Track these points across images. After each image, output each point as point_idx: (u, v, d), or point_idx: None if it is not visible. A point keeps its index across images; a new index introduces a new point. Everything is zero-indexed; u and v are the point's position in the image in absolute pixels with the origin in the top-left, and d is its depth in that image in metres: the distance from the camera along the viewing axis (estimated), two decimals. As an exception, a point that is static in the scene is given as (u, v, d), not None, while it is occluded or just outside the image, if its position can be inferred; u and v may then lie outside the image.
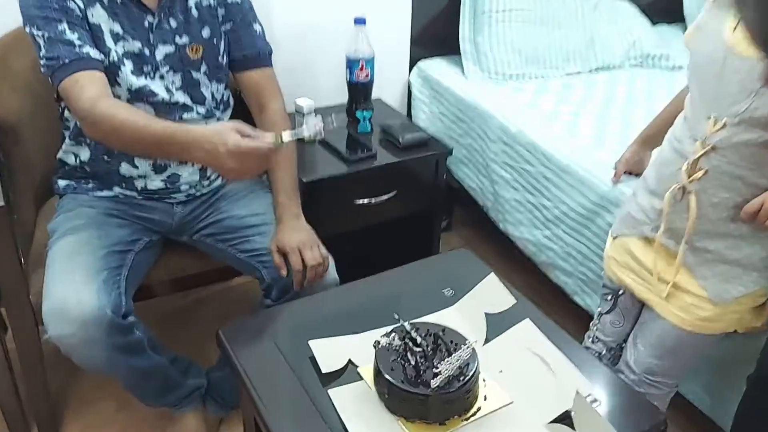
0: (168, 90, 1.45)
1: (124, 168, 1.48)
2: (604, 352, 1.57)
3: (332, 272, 1.50)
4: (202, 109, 1.50)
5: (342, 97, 2.12)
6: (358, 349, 1.21)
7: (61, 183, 1.55)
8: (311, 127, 1.20)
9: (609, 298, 1.53)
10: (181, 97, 1.46)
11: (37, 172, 1.64)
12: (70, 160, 1.52)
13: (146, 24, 1.40)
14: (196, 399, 1.59)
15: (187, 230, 1.58)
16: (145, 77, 1.41)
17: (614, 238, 1.47)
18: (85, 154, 1.49)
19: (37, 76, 1.63)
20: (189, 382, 1.56)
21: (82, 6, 1.32)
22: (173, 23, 1.43)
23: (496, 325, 1.30)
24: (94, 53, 1.32)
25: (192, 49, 1.46)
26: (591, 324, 1.60)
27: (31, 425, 1.65)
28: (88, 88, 1.26)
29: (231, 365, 1.23)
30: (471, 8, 2.28)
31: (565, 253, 1.84)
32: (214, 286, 2.09)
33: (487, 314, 1.32)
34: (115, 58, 1.37)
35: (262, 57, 1.55)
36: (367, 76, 2.01)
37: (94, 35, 1.34)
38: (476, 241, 2.50)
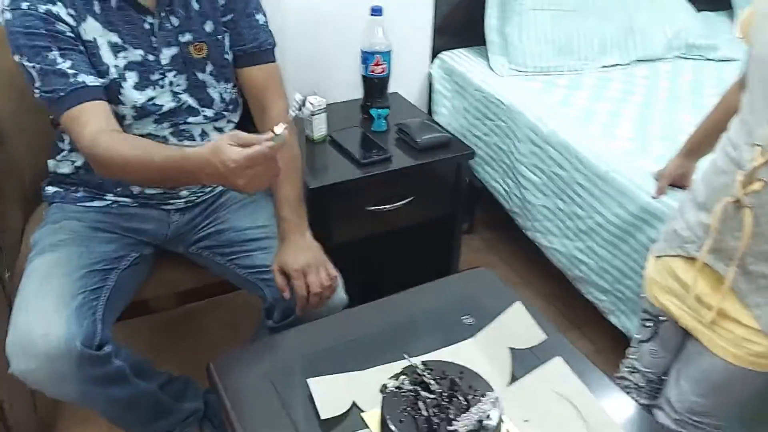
0: (175, 95, 1.32)
1: (134, 190, 1.38)
2: (642, 384, 1.41)
3: (340, 292, 1.36)
4: (210, 112, 1.38)
5: (356, 92, 1.97)
6: (364, 389, 1.07)
7: (49, 189, 1.43)
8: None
9: (649, 324, 1.36)
10: (187, 100, 1.34)
11: (25, 176, 1.54)
12: (65, 168, 1.39)
13: (146, 27, 1.26)
14: (192, 423, 1.46)
15: (183, 241, 1.45)
16: (152, 88, 1.29)
17: (657, 258, 1.30)
18: (81, 160, 1.37)
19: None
20: (185, 406, 1.44)
21: (73, 23, 1.18)
22: (174, 21, 1.29)
23: (523, 362, 1.14)
24: (91, 80, 1.19)
25: (196, 48, 1.32)
26: (628, 351, 1.45)
27: (19, 449, 1.54)
28: (87, 124, 1.16)
29: (221, 404, 1.10)
30: (499, -5, 2.10)
31: (600, 268, 1.67)
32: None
33: (512, 349, 1.16)
34: (116, 75, 1.24)
35: (264, 52, 1.39)
36: (383, 70, 1.85)
37: (90, 53, 1.22)
38: (500, 245, 2.36)
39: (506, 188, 2.00)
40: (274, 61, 1.41)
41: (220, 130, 1.41)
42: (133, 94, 1.27)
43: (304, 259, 1.26)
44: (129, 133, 1.27)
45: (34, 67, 1.16)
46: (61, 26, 1.17)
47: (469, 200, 2.10)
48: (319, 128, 1.80)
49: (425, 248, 1.99)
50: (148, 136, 1.31)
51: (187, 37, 1.31)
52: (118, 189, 1.38)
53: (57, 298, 1.18)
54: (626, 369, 1.44)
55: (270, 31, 1.41)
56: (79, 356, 1.14)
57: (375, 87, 1.87)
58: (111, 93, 1.24)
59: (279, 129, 1.02)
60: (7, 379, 1.40)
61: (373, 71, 1.84)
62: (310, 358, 1.16)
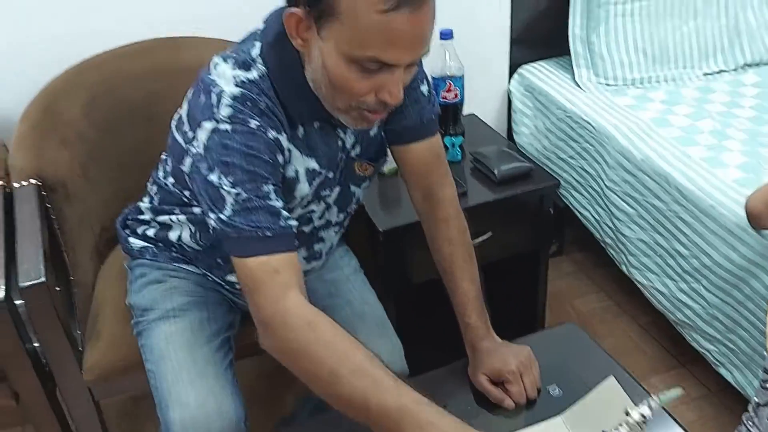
0: (326, 206, 1.16)
1: (234, 278, 1.22)
2: (761, 452, 1.22)
3: (400, 361, 1.25)
4: (342, 217, 1.23)
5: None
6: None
7: (136, 243, 1.29)
8: None
9: (770, 388, 1.18)
10: (333, 216, 1.20)
11: (95, 227, 1.52)
12: (166, 235, 1.25)
13: (339, 144, 1.09)
14: None
15: None
16: (316, 203, 1.13)
17: None
18: (191, 242, 1.22)
19: (89, 120, 1.52)
20: None
21: (282, 161, 0.99)
22: (351, 134, 1.11)
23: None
24: (295, 224, 0.97)
25: (361, 167, 1.16)
26: (744, 415, 1.27)
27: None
28: (280, 282, 0.92)
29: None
30: (583, 1, 1.91)
31: (709, 315, 1.47)
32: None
33: (605, 435, 1.01)
34: (300, 200, 1.09)
35: (426, 125, 1.15)
36: (455, 96, 1.72)
37: (286, 187, 1.03)
38: (593, 268, 2.19)
39: (596, 216, 1.82)
40: (435, 134, 1.18)
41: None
42: (322, 214, 1.15)
43: (515, 362, 1.10)
44: None
45: (238, 194, 0.92)
46: (280, 158, 0.98)
47: (557, 222, 1.93)
48: (390, 160, 1.68)
49: (508, 284, 1.84)
50: None
51: (356, 151, 1.13)
52: (217, 272, 1.26)
53: (215, 373, 1.14)
54: (743, 436, 1.26)
55: (434, 98, 1.17)
56: None
57: (448, 114, 1.74)
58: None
59: None
60: (82, 425, 1.40)
61: (444, 98, 1.71)
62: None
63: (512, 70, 2.06)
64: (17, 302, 1.23)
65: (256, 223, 0.92)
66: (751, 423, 1.25)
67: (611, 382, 1.08)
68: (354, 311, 1.26)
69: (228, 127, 0.92)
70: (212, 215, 0.94)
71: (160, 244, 1.27)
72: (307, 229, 1.17)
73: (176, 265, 1.27)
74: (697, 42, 1.93)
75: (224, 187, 0.92)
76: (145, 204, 1.28)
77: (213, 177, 0.92)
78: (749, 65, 1.98)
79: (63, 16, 1.56)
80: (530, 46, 2.04)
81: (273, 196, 0.94)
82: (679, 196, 1.50)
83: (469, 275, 1.16)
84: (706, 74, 1.94)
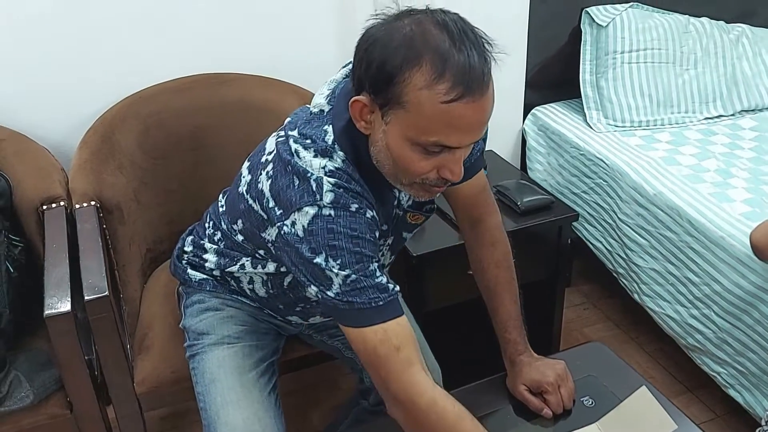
0: (381, 253, 1.19)
1: (293, 318, 1.31)
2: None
3: (439, 381, 1.31)
4: (392, 260, 1.28)
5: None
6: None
7: (194, 275, 1.31)
8: None
9: (782, 408, 1.27)
10: (385, 260, 1.24)
11: (142, 248, 1.60)
12: (236, 284, 1.28)
13: (394, 202, 1.13)
14: None
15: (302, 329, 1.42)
16: (382, 254, 1.18)
17: None
18: (262, 291, 1.25)
19: (143, 149, 1.63)
20: None
21: (378, 236, 1.02)
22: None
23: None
24: (398, 289, 1.01)
25: (413, 217, 1.19)
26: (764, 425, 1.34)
27: None
28: (402, 359, 0.96)
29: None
30: (593, 48, 2.06)
31: (719, 339, 1.57)
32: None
33: (640, 439, 1.10)
34: None
35: (474, 164, 1.19)
36: (480, 133, 1.83)
37: None
38: (600, 299, 2.28)
39: (609, 248, 1.93)
40: (483, 169, 1.23)
41: None
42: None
43: (553, 374, 1.18)
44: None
45: (347, 276, 0.95)
46: (377, 234, 1.01)
47: (568, 256, 2.04)
48: (419, 192, 1.78)
49: (526, 310, 1.94)
50: None
51: (409, 203, 1.15)
52: (271, 310, 1.32)
53: (260, 396, 1.19)
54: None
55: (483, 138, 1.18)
56: None
57: (472, 149, 1.85)
58: None
59: None
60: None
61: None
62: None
63: (527, 110, 2.19)
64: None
65: (368, 298, 0.96)
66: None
67: (644, 390, 1.17)
68: None
69: (332, 212, 0.95)
70: (315, 289, 0.98)
71: (220, 280, 1.31)
72: None
73: (233, 296, 1.31)
74: (698, 89, 2.08)
75: (332, 269, 0.94)
76: (208, 244, 1.28)
77: (319, 260, 0.95)
78: (746, 111, 2.12)
79: (113, 50, 1.65)
80: (543, 88, 2.18)
81: (378, 272, 0.97)
82: (690, 227, 1.62)
83: (511, 296, 1.24)
84: (707, 119, 2.08)
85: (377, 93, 0.91)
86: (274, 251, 1.08)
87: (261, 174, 1.04)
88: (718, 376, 1.62)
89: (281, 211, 0.99)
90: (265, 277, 1.23)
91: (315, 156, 0.99)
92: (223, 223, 1.24)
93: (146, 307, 1.54)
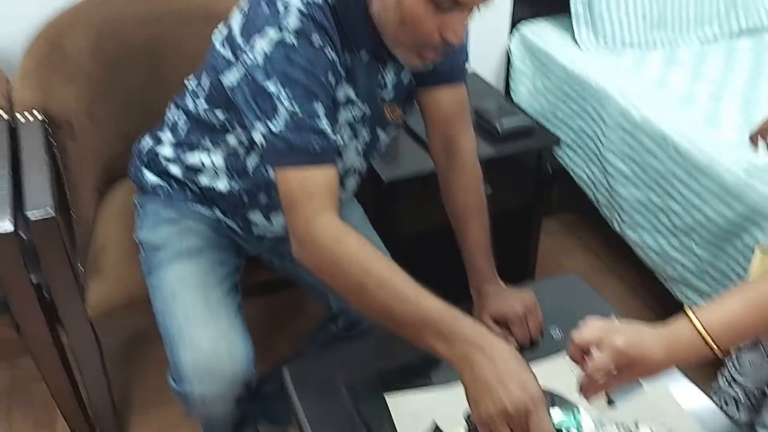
0: (356, 151, 1.15)
1: (255, 217, 1.23)
2: (742, 398, 1.29)
3: None
4: (363, 167, 1.23)
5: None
6: (446, 408, 0.99)
7: (151, 179, 1.26)
8: None
9: (753, 334, 1.23)
10: (357, 163, 1.19)
11: (98, 165, 1.51)
12: (194, 177, 1.22)
13: (380, 79, 1.09)
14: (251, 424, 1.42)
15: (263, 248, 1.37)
16: (352, 137, 1.13)
17: (765, 254, 1.16)
18: (218, 182, 1.20)
19: (96, 59, 1.50)
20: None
21: (333, 82, 1.00)
22: (392, 74, 1.11)
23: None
24: (341, 142, 1.02)
25: (390, 110, 1.14)
26: (727, 360, 1.32)
27: (96, 432, 1.56)
28: (314, 206, 0.94)
29: (295, 415, 1.04)
30: (585, -40, 1.93)
31: (699, 269, 1.53)
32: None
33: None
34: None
35: (456, 71, 1.15)
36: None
37: (332, 110, 1.03)
38: (581, 228, 2.23)
39: (591, 176, 1.86)
40: (463, 82, 1.18)
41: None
42: (350, 158, 1.14)
43: (520, 305, 1.12)
44: None
45: (294, 112, 0.93)
46: (333, 80, 0.98)
47: (548, 181, 1.97)
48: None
49: (498, 239, 1.89)
50: None
51: (387, 94, 1.12)
52: (230, 215, 1.26)
53: (227, 315, 1.14)
54: (724, 381, 1.32)
55: (467, 48, 1.16)
56: (251, 378, 1.13)
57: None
58: None
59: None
60: (83, 361, 1.41)
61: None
62: (387, 371, 1.08)
63: (513, 27, 2.07)
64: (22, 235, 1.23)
65: (305, 141, 0.93)
66: (733, 368, 1.30)
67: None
68: None
69: (294, 41, 0.92)
70: (260, 126, 0.95)
71: (176, 185, 1.25)
72: None
73: (191, 205, 1.25)
74: (693, 7, 1.96)
75: (281, 99, 0.92)
76: (167, 136, 1.24)
77: (270, 84, 0.92)
78: (744, 32, 2.01)
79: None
80: (531, 2, 2.05)
81: (322, 115, 0.95)
82: (676, 155, 1.54)
83: (480, 222, 1.18)
84: (702, 40, 1.98)
85: None
86: (232, 97, 1.02)
87: (235, 13, 1.01)
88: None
89: (243, 38, 0.95)
90: (226, 162, 1.17)
91: None
92: (186, 99, 1.18)
93: (101, 228, 1.47)
